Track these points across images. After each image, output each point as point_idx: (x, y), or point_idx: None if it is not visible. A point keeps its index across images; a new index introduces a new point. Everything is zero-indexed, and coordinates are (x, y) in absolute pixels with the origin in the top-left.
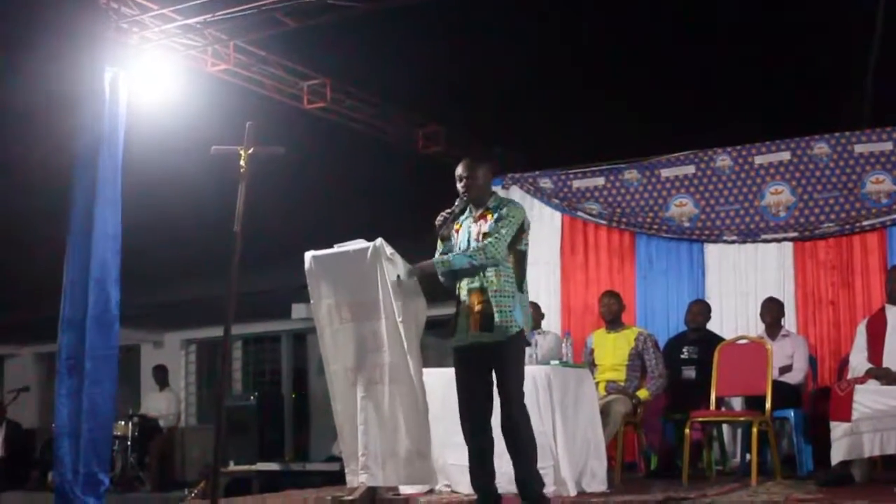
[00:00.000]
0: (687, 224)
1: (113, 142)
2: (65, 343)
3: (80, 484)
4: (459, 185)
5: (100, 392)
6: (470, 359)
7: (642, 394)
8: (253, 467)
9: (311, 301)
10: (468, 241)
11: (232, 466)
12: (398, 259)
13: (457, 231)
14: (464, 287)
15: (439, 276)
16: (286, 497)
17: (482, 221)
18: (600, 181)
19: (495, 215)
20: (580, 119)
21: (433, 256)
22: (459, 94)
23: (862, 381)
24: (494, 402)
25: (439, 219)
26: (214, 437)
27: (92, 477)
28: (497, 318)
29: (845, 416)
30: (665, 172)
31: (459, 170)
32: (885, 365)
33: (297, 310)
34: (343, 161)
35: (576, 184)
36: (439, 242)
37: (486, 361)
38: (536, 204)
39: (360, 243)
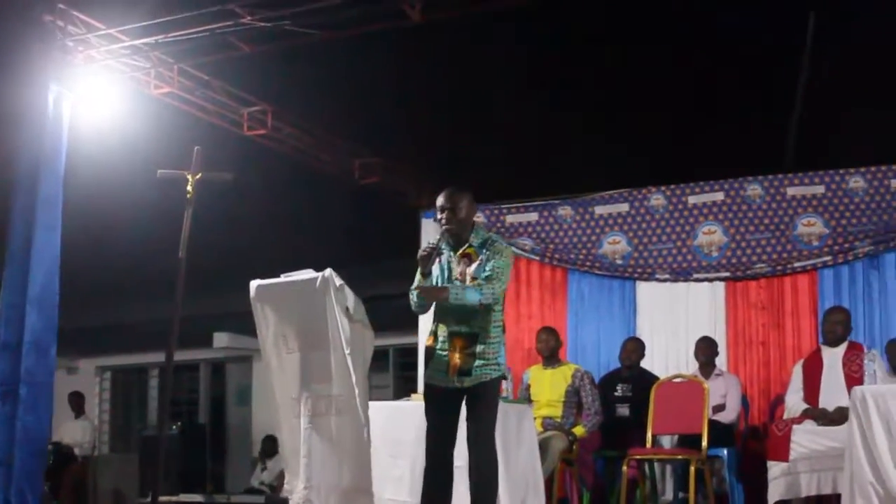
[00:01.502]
0: (619, 262)
1: (54, 162)
2: (0, 369)
3: None
4: (440, 217)
5: (34, 419)
6: (445, 398)
7: (578, 431)
8: (174, 498)
9: (258, 329)
10: (448, 279)
11: (150, 499)
12: (347, 290)
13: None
14: (443, 328)
15: (412, 302)
16: None
17: (466, 260)
18: (534, 217)
19: (483, 256)
20: (515, 154)
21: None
22: (399, 126)
23: (798, 421)
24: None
25: (422, 252)
26: (137, 467)
27: None
28: (478, 362)
29: (783, 457)
30: (598, 210)
31: (441, 200)
32: (821, 405)
33: (219, 338)
34: (279, 189)
35: (509, 219)
36: (419, 277)
37: (460, 402)
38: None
39: (307, 273)
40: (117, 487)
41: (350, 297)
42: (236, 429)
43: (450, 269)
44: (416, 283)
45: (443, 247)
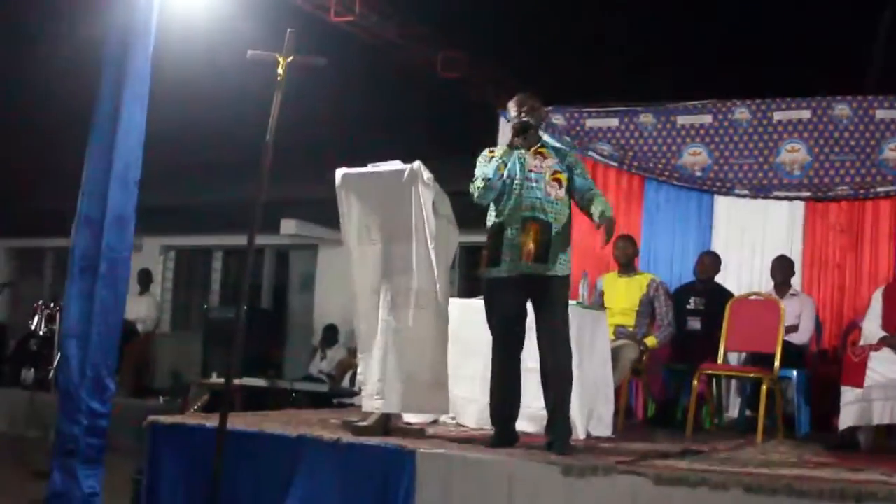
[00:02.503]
0: (699, 174)
1: (145, 37)
2: (80, 242)
3: (86, 388)
4: (521, 112)
5: (112, 295)
6: (517, 289)
7: (650, 341)
8: (237, 381)
9: (341, 219)
10: (521, 171)
11: (214, 379)
12: (434, 184)
13: (491, 155)
14: (517, 216)
15: (477, 190)
16: (289, 416)
17: (540, 157)
18: (614, 122)
19: (558, 156)
20: (600, 58)
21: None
22: (485, 22)
23: (876, 348)
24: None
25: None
26: (201, 347)
27: (99, 381)
28: (552, 251)
29: (857, 382)
30: (681, 119)
31: (521, 98)
32: None
33: (286, 225)
34: (359, 78)
35: (589, 123)
36: (496, 164)
37: (533, 293)
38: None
39: (395, 164)
40: (176, 366)
41: (437, 190)
42: (297, 316)
43: (522, 164)
44: (490, 172)
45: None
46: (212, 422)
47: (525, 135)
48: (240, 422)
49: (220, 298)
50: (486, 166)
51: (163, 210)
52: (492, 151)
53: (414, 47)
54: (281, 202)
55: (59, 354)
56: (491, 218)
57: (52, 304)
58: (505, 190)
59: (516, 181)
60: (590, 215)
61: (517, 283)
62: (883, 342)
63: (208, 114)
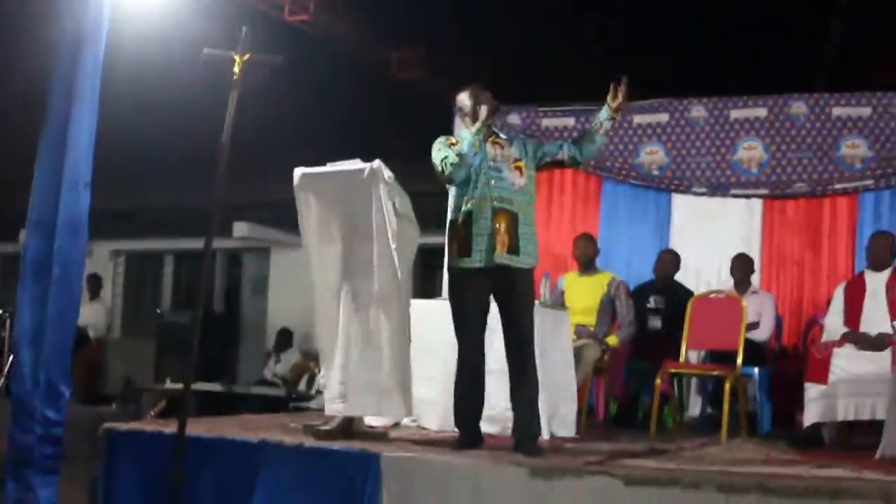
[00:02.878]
0: (656, 172)
1: (95, 40)
2: (31, 246)
3: (39, 395)
4: (479, 105)
5: (66, 299)
6: (486, 280)
7: (612, 340)
8: (193, 387)
9: (300, 219)
10: (483, 160)
11: (169, 384)
12: (394, 183)
13: (453, 145)
14: (485, 206)
15: (449, 164)
16: (247, 421)
17: (498, 146)
18: (570, 121)
19: (514, 144)
20: (557, 58)
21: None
22: (440, 20)
23: (839, 344)
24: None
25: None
26: (154, 352)
27: (53, 388)
28: (523, 243)
29: (821, 379)
30: (637, 118)
31: (477, 91)
32: (862, 330)
33: (238, 228)
34: (311, 78)
35: (545, 122)
36: (467, 144)
37: (501, 286)
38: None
39: (355, 163)
40: (128, 372)
41: (398, 190)
42: (250, 320)
43: (484, 153)
44: (465, 148)
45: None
46: (170, 428)
47: (495, 118)
48: (198, 428)
49: (172, 303)
50: (447, 150)
51: (112, 214)
52: (449, 139)
53: (368, 47)
54: (233, 205)
55: (9, 361)
56: (457, 207)
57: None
58: (470, 178)
59: (481, 170)
60: (598, 128)
61: (487, 274)
62: (845, 338)
63: (157, 115)
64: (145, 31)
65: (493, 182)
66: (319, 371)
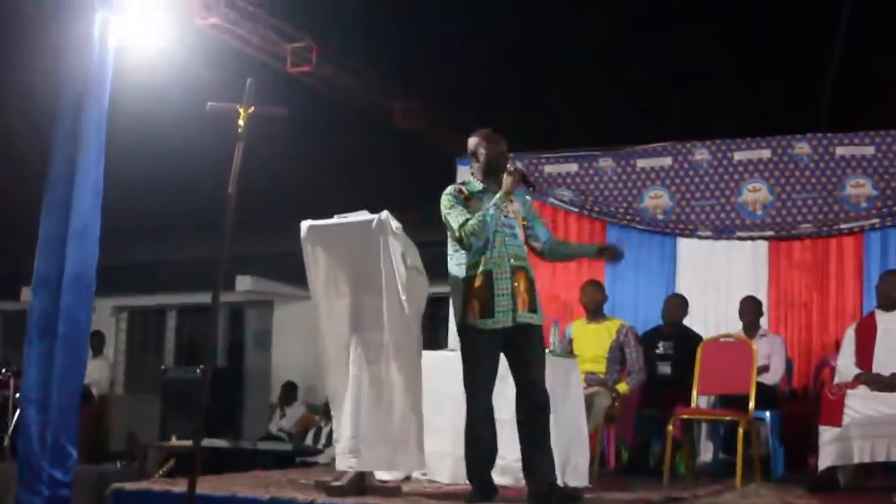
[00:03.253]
0: (661, 217)
1: (100, 90)
2: (37, 303)
3: (47, 456)
4: (496, 153)
5: (72, 358)
6: (501, 339)
7: (622, 388)
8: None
9: (308, 272)
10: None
11: (174, 441)
12: (403, 235)
13: (467, 199)
14: (504, 265)
15: (475, 230)
16: (256, 478)
17: (509, 202)
18: (573, 167)
19: (519, 200)
20: (557, 103)
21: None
22: (440, 71)
23: (852, 385)
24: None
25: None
26: (159, 409)
27: (60, 449)
28: (537, 301)
29: (836, 422)
30: (641, 163)
31: (499, 144)
32: (874, 370)
33: (241, 282)
34: (313, 130)
35: (548, 169)
36: (497, 202)
37: (518, 343)
38: (448, 188)
39: (362, 214)
40: (132, 428)
41: (406, 241)
42: (254, 374)
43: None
44: (489, 218)
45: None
46: (178, 487)
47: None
48: (207, 486)
49: (175, 358)
50: (462, 209)
51: (113, 269)
52: (461, 191)
53: (370, 98)
54: (236, 258)
55: (13, 421)
56: (469, 268)
57: (2, 370)
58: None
59: (496, 228)
60: (581, 255)
61: (503, 333)
62: (859, 380)
63: (157, 168)
64: (149, 82)
65: (507, 240)
66: (325, 424)
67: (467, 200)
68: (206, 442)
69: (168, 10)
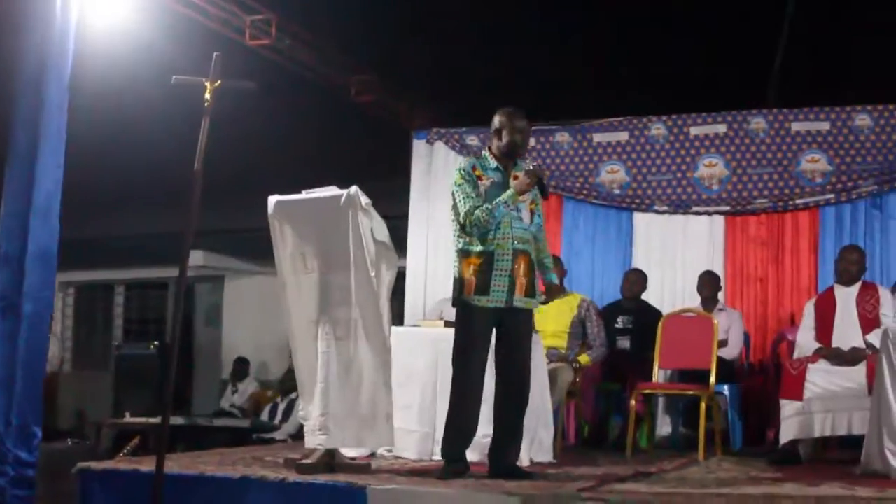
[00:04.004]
0: (617, 191)
1: (61, 66)
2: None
3: (11, 436)
4: (516, 136)
5: (38, 337)
6: (495, 318)
7: (583, 359)
8: (153, 420)
9: (274, 248)
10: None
11: (128, 418)
12: (372, 210)
13: (480, 179)
14: (507, 247)
15: (483, 219)
16: (221, 455)
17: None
18: (530, 141)
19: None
20: (512, 76)
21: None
22: (398, 44)
23: (813, 360)
24: None
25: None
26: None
27: (25, 429)
28: (535, 285)
29: (797, 396)
30: (597, 137)
31: (518, 125)
32: (834, 345)
33: (193, 257)
34: (270, 103)
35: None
36: (511, 193)
37: (509, 324)
38: (462, 161)
39: (331, 190)
40: (80, 405)
41: (374, 216)
42: (205, 350)
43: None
44: (497, 212)
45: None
46: (145, 466)
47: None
48: (174, 465)
49: (124, 334)
50: (471, 191)
51: (59, 245)
52: (474, 167)
53: (328, 71)
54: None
55: None
56: (473, 244)
57: None
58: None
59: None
60: (542, 268)
61: (498, 312)
62: (819, 354)
63: (106, 142)
64: (109, 55)
65: (514, 223)
66: (281, 401)
67: (479, 178)
68: (160, 419)
69: None
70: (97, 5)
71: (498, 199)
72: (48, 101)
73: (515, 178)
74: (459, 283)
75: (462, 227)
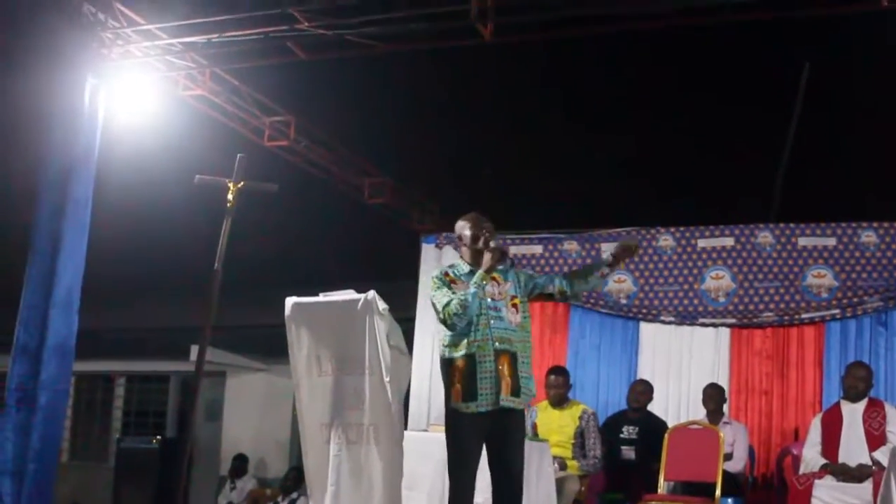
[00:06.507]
0: (624, 301)
1: (87, 161)
2: (16, 372)
3: None
4: (487, 236)
5: (52, 429)
6: (485, 422)
7: (571, 466)
8: None
9: (290, 349)
10: (480, 302)
11: None
12: (388, 315)
13: (454, 283)
14: (488, 348)
15: (455, 313)
16: None
17: (494, 283)
18: (538, 249)
19: (509, 278)
20: (523, 187)
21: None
22: (411, 149)
23: (819, 476)
24: None
25: (495, 249)
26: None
27: None
28: (522, 384)
29: None
30: (605, 247)
31: (484, 224)
32: (840, 461)
33: (195, 352)
34: (283, 204)
35: (513, 250)
36: (478, 281)
37: (499, 427)
38: (434, 271)
39: (348, 294)
40: (75, 497)
41: (390, 322)
42: (204, 445)
43: (483, 292)
44: (469, 298)
45: (467, 269)
46: None
47: (503, 262)
48: None
49: (123, 427)
50: (447, 291)
51: None
52: (448, 275)
53: (342, 174)
54: (190, 328)
55: None
56: (453, 349)
57: None
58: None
59: (480, 311)
60: (597, 270)
61: (487, 416)
62: (825, 470)
63: (112, 236)
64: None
65: (492, 322)
66: (283, 500)
67: (452, 283)
68: None
69: (154, 82)
70: (122, 103)
71: (471, 285)
72: (73, 196)
73: (494, 280)
74: (447, 393)
75: (444, 324)
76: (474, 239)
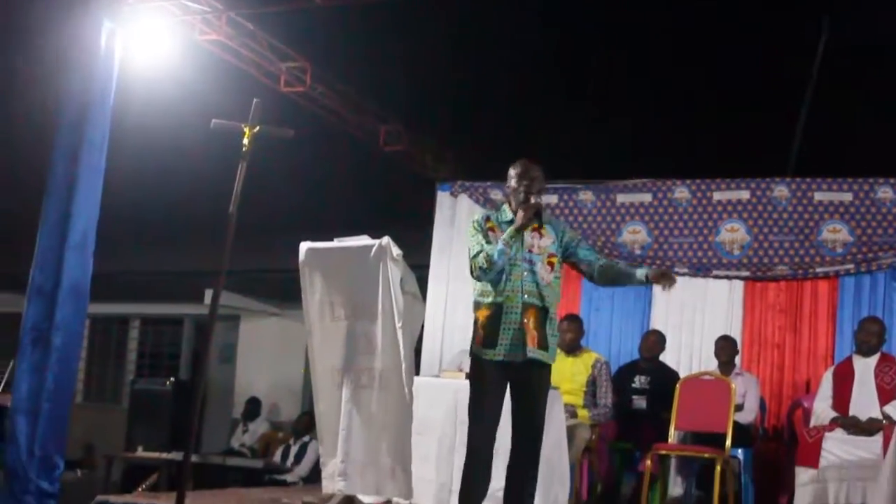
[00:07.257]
0: (638, 252)
1: (103, 103)
2: (31, 313)
3: (34, 467)
4: (523, 184)
5: (66, 369)
6: (508, 372)
7: (581, 414)
8: (166, 455)
9: (303, 294)
10: (520, 248)
11: (141, 452)
12: (403, 261)
13: (493, 231)
14: (516, 300)
15: (487, 265)
16: (239, 496)
17: (536, 234)
18: (553, 199)
19: (554, 234)
20: (539, 133)
21: None
22: (428, 96)
23: (830, 428)
24: None
25: (529, 206)
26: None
27: (48, 460)
28: (550, 338)
29: (812, 463)
30: (621, 198)
31: (531, 174)
32: (851, 414)
33: (209, 295)
34: (299, 149)
35: None
36: (510, 234)
37: (523, 378)
38: (477, 214)
39: (363, 239)
40: (89, 438)
41: (404, 268)
42: (217, 388)
43: (521, 242)
44: (496, 254)
45: (509, 216)
46: (163, 501)
47: (539, 218)
48: (191, 502)
49: (137, 369)
50: (482, 239)
51: None
52: (489, 220)
53: (358, 121)
54: (204, 272)
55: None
56: (483, 295)
57: None
58: (503, 268)
59: (516, 261)
60: (627, 282)
61: (509, 366)
62: (836, 423)
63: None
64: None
65: (525, 275)
66: (294, 443)
67: (491, 231)
68: (173, 455)
69: (170, 26)
70: (139, 47)
71: (499, 241)
72: (89, 138)
73: (535, 231)
74: (473, 336)
75: (471, 272)
76: (514, 192)
